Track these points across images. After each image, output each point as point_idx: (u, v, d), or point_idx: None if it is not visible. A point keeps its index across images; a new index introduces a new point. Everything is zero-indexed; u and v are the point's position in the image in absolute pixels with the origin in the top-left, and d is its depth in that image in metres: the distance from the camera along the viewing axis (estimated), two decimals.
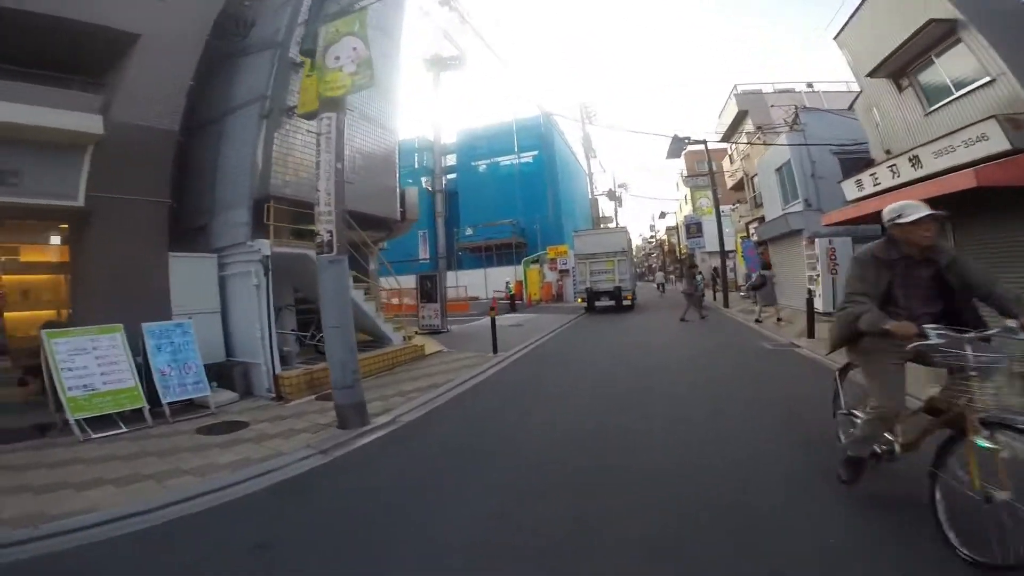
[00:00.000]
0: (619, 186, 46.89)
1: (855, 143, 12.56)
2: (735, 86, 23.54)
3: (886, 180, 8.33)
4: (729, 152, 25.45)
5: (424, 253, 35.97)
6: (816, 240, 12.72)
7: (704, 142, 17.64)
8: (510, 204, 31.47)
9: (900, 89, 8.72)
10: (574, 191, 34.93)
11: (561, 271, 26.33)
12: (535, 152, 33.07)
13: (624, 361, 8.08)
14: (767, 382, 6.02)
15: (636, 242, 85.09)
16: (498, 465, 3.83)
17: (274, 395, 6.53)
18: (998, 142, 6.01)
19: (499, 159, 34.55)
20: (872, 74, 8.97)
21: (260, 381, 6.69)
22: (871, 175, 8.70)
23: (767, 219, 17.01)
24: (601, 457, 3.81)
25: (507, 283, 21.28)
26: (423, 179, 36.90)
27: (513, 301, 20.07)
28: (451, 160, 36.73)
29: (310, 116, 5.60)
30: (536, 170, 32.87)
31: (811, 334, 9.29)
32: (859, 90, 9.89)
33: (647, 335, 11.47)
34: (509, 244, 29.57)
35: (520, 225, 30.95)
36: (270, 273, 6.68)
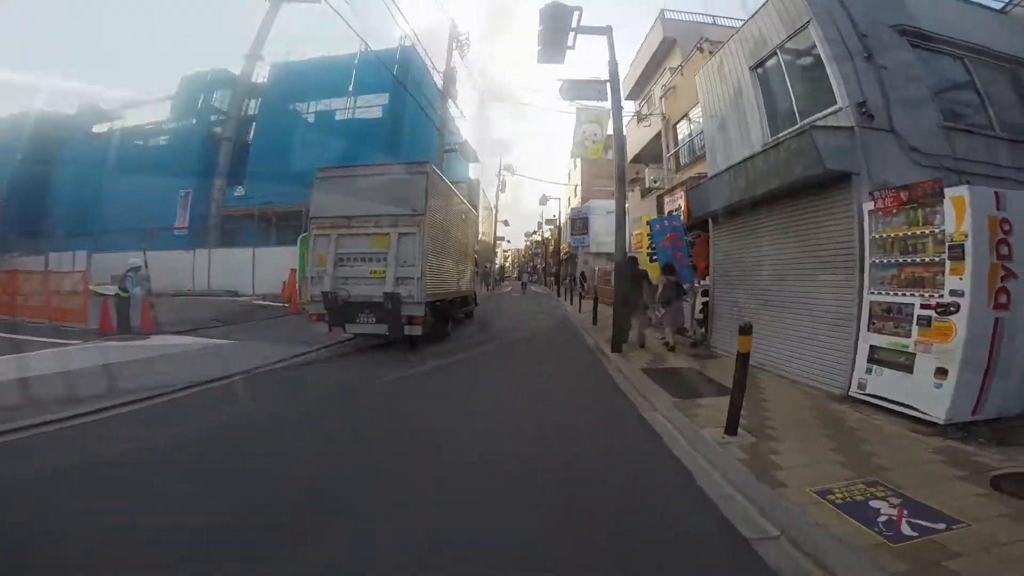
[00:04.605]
0: (504, 168, 37.95)
1: None
2: (662, 11, 15.62)
3: None
4: (638, 107, 17.36)
5: (184, 221, 22.93)
6: (967, 192, 4.06)
7: (609, 29, 8.66)
8: (329, 160, 20.06)
9: None
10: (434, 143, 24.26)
11: None
12: (384, 95, 22.29)
13: None
14: None
15: (520, 242, 74.47)
16: None
17: None
18: None
19: (331, 102, 23.49)
20: None
21: None
22: None
23: (715, 172, 8.47)
24: None
25: None
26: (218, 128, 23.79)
27: None
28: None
29: None
30: (382, 116, 22.32)
31: None
32: None
33: None
34: (298, 212, 18.23)
35: None
36: None
